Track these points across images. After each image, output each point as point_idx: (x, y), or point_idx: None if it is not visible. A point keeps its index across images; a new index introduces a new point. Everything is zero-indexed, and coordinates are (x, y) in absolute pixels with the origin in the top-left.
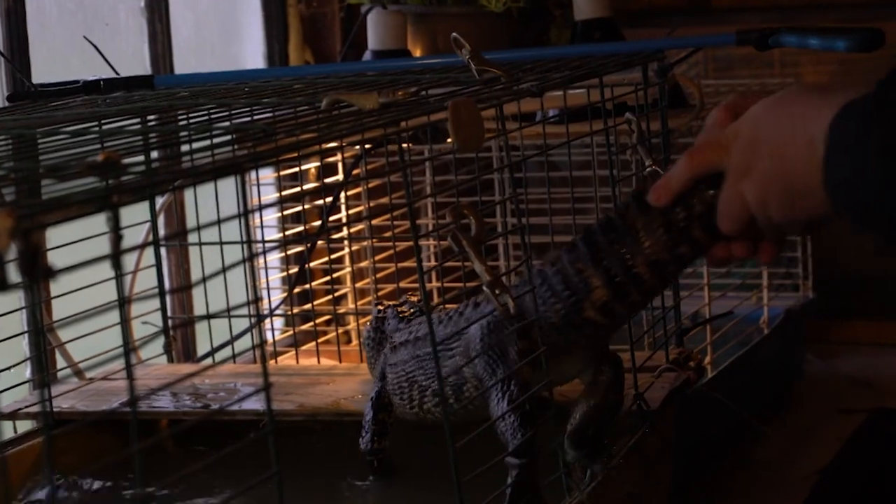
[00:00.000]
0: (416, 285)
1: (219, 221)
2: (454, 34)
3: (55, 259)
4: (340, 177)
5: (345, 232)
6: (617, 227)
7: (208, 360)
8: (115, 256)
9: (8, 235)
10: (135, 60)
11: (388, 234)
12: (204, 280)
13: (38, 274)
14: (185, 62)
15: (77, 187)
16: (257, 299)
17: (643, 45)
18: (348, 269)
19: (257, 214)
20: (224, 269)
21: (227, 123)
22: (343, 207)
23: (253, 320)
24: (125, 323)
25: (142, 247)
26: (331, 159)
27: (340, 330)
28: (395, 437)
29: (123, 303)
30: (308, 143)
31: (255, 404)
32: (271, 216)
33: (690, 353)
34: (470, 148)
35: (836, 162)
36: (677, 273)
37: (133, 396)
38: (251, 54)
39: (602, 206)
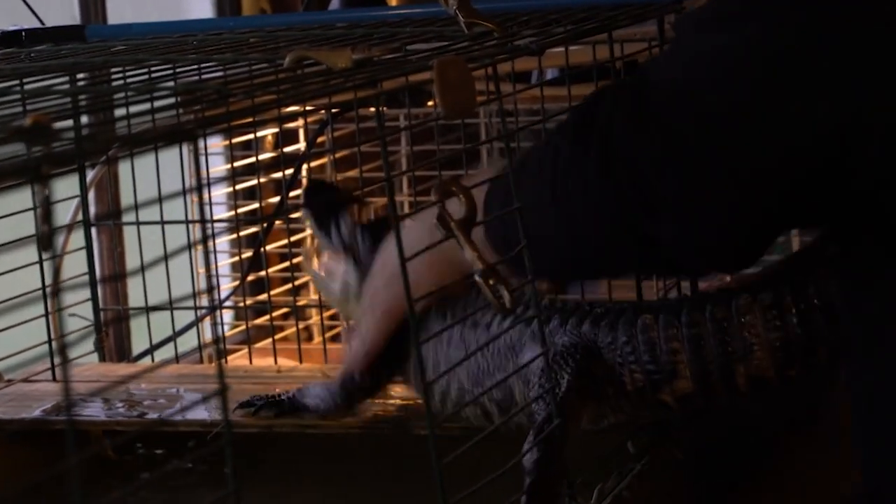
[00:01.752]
0: None
1: (160, 198)
2: None
3: None
4: (302, 146)
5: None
6: (731, 317)
7: (146, 360)
8: (47, 238)
9: None
10: (61, 8)
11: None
12: (143, 268)
13: None
14: (120, 11)
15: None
16: (211, 288)
17: None
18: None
19: (204, 190)
20: (167, 255)
21: (171, 83)
22: (305, 182)
23: (200, 313)
24: (51, 315)
25: (70, 226)
26: (291, 125)
27: (301, 325)
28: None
29: (54, 292)
30: (269, 107)
31: (202, 413)
32: (220, 192)
33: None
34: (458, 114)
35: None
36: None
37: (68, 400)
38: (197, 3)
39: None
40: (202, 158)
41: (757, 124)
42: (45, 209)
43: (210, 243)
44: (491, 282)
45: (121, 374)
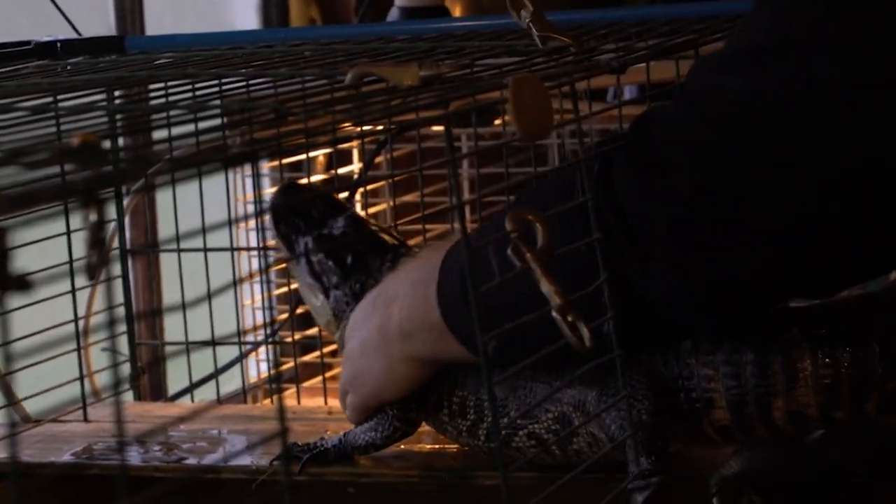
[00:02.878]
0: None
1: (203, 227)
2: None
3: None
4: (357, 167)
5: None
6: (773, 348)
7: (184, 400)
8: (96, 267)
9: None
10: (95, 17)
11: (417, 240)
12: (183, 302)
13: (9, 283)
14: (159, 20)
15: (40, 178)
16: (272, 323)
17: (748, 5)
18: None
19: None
20: (209, 293)
21: (217, 101)
22: (359, 206)
23: (244, 349)
24: (83, 351)
25: (106, 254)
26: (345, 145)
27: None
28: None
29: (114, 323)
30: (332, 127)
31: (245, 458)
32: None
33: None
34: (535, 135)
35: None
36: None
37: (121, 442)
38: (241, 11)
39: None
40: (255, 181)
41: (792, 170)
42: (95, 235)
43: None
44: (569, 318)
45: (158, 415)
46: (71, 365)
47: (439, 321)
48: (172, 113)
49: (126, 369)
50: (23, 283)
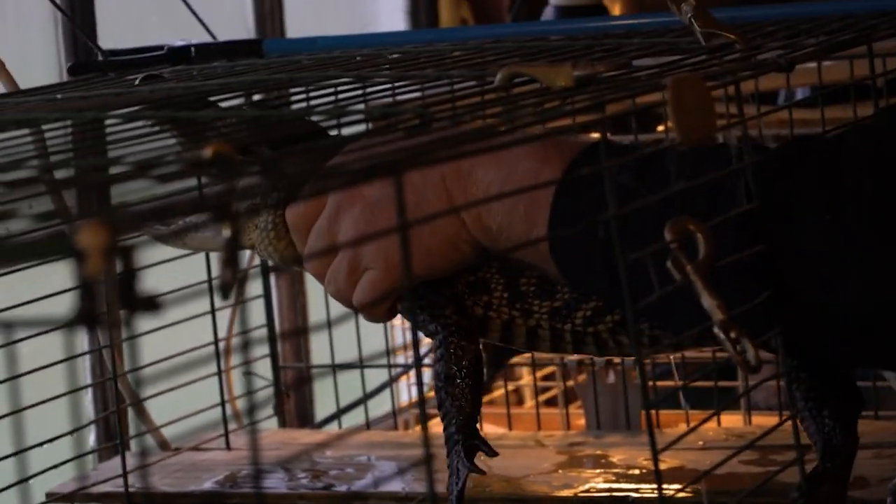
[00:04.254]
0: None
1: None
2: None
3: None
4: None
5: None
6: None
7: (332, 426)
8: (229, 286)
9: (101, 255)
10: (234, 20)
11: None
12: (329, 322)
13: (138, 305)
14: (300, 23)
15: (175, 192)
16: (417, 344)
17: None
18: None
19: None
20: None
21: (361, 105)
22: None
23: (394, 372)
24: (224, 375)
25: (245, 272)
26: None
27: (511, 386)
28: None
29: (229, 349)
30: (485, 134)
31: (395, 484)
32: None
33: None
34: (697, 140)
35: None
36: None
37: (256, 468)
38: (387, 11)
39: None
40: (398, 192)
41: None
42: (229, 252)
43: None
44: (732, 335)
45: (304, 442)
46: (212, 389)
47: (544, 251)
48: (314, 119)
49: (268, 394)
50: (151, 304)
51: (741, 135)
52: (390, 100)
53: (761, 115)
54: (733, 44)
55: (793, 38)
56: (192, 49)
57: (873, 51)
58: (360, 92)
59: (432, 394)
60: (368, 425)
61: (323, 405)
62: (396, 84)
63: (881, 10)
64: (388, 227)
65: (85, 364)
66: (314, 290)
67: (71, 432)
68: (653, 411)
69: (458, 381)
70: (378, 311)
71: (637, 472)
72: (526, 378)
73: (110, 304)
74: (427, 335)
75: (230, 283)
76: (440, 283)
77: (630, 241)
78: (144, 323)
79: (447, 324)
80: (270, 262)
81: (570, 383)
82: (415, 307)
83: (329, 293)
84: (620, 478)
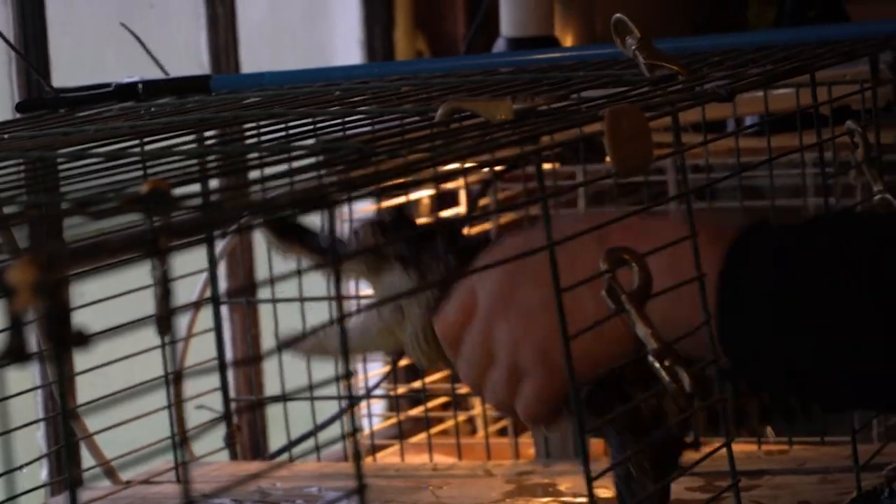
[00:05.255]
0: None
1: (299, 272)
2: (618, 16)
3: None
4: (463, 209)
5: None
6: None
7: (284, 457)
8: (165, 318)
9: (30, 291)
10: (189, 54)
11: None
12: (279, 349)
13: (68, 340)
14: (256, 55)
15: (113, 228)
16: (348, 374)
17: (870, 27)
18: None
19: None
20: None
21: (311, 141)
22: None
23: (344, 403)
24: (175, 407)
25: (197, 305)
26: (450, 185)
27: (461, 417)
28: None
29: (177, 380)
30: (416, 168)
31: None
32: None
33: None
34: (633, 170)
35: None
36: None
37: (188, 500)
38: (344, 43)
39: None
40: (346, 225)
41: None
42: (163, 288)
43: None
44: (667, 363)
45: (251, 472)
46: (164, 422)
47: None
48: (262, 154)
49: (219, 426)
50: (81, 340)
51: (698, 164)
52: (340, 135)
53: (701, 144)
54: (677, 75)
55: (738, 69)
56: (140, 86)
57: (818, 79)
58: (310, 128)
59: (382, 426)
60: (319, 457)
61: (277, 437)
62: (347, 119)
63: (827, 39)
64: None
65: (37, 398)
66: (267, 321)
67: (12, 470)
68: (594, 440)
69: (637, 479)
70: (545, 419)
71: (584, 500)
72: (477, 409)
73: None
74: (597, 437)
75: (165, 320)
76: (606, 380)
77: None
78: (94, 357)
79: (618, 422)
80: (419, 365)
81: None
82: (581, 413)
83: (489, 403)
84: None
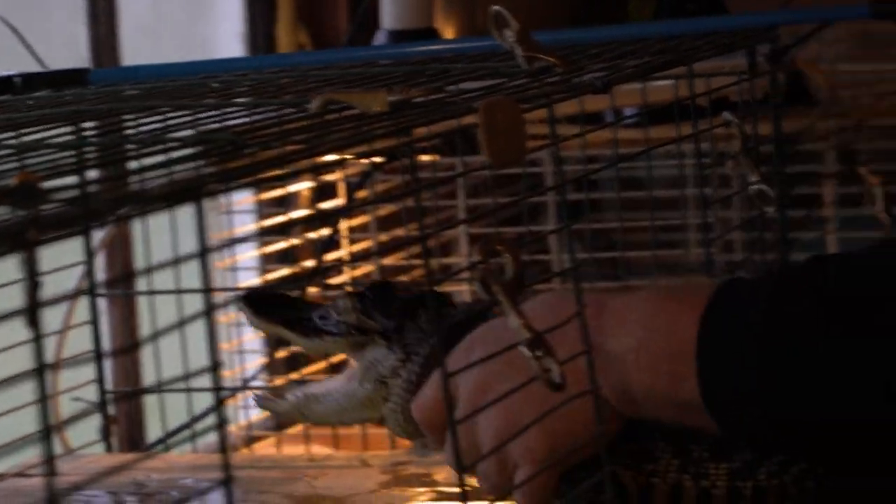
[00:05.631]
0: None
1: (176, 261)
2: (496, 8)
3: None
4: (341, 201)
5: (346, 275)
6: None
7: (161, 449)
8: (31, 310)
9: None
10: (69, 48)
11: (403, 277)
12: (155, 336)
13: None
14: (137, 50)
15: None
16: (216, 365)
17: (748, 19)
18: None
19: (229, 253)
20: (181, 323)
21: (188, 132)
22: (345, 242)
23: (221, 395)
24: (47, 399)
25: (72, 296)
26: (329, 178)
27: None
28: None
29: (44, 370)
30: (290, 159)
31: None
32: (249, 254)
33: None
34: (508, 162)
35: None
36: None
37: (52, 493)
38: (226, 37)
39: (696, 236)
40: (224, 217)
41: None
42: (31, 281)
43: (233, 314)
44: (538, 354)
45: (119, 464)
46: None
47: (695, 402)
48: (135, 146)
49: (95, 418)
50: None
51: (577, 156)
52: (217, 126)
53: (577, 136)
54: (554, 67)
55: (616, 61)
56: (17, 79)
57: (697, 71)
58: (189, 119)
59: (260, 417)
60: (195, 448)
61: (155, 429)
62: (225, 111)
63: (705, 32)
64: (531, 422)
65: None
66: (145, 312)
67: None
68: None
69: None
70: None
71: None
72: None
73: None
74: None
75: (32, 312)
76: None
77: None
78: None
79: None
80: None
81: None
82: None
83: (482, 489)
84: (443, 496)
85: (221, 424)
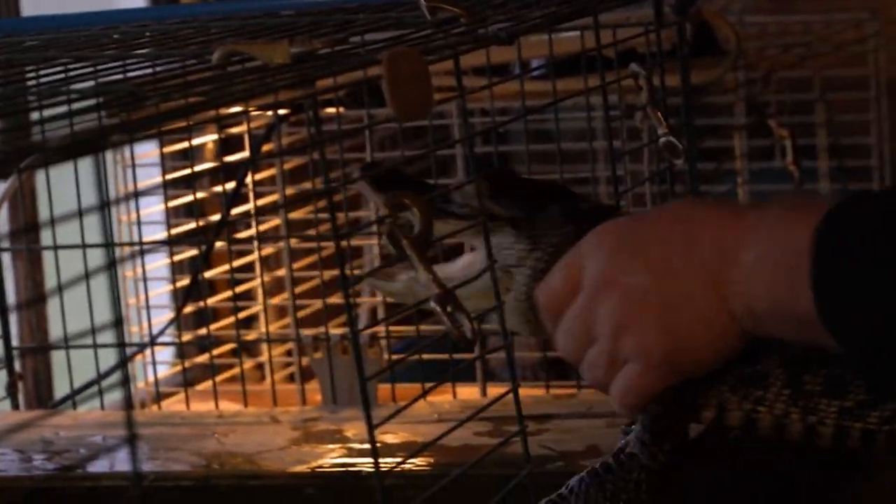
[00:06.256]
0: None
1: (76, 214)
2: None
3: None
4: (246, 154)
5: (253, 229)
6: None
7: (68, 406)
8: None
9: None
10: None
11: (311, 231)
12: (59, 290)
13: None
14: (37, 2)
15: None
16: (119, 321)
17: None
18: (259, 281)
19: (132, 206)
20: (79, 279)
21: (89, 83)
22: (251, 196)
23: (129, 351)
24: None
25: None
26: (235, 130)
27: (249, 364)
28: None
29: None
30: (191, 111)
31: (128, 464)
32: (156, 208)
33: None
34: (412, 114)
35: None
36: None
37: None
38: None
39: (607, 188)
40: (129, 170)
41: None
42: None
43: (137, 268)
44: (448, 309)
45: (35, 424)
46: None
47: (812, 316)
48: (32, 98)
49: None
50: None
51: (484, 108)
52: (120, 77)
53: (483, 88)
54: (459, 18)
55: (521, 11)
56: None
57: (602, 23)
58: (91, 70)
59: (168, 373)
60: (103, 405)
61: (63, 386)
62: (127, 63)
63: None
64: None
65: None
66: (50, 269)
67: None
68: (388, 385)
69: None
70: (638, 409)
71: (368, 446)
72: (265, 355)
73: None
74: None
75: None
76: (707, 377)
77: None
78: None
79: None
80: (516, 331)
81: (306, 360)
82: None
83: (585, 379)
84: (353, 453)
85: (126, 381)
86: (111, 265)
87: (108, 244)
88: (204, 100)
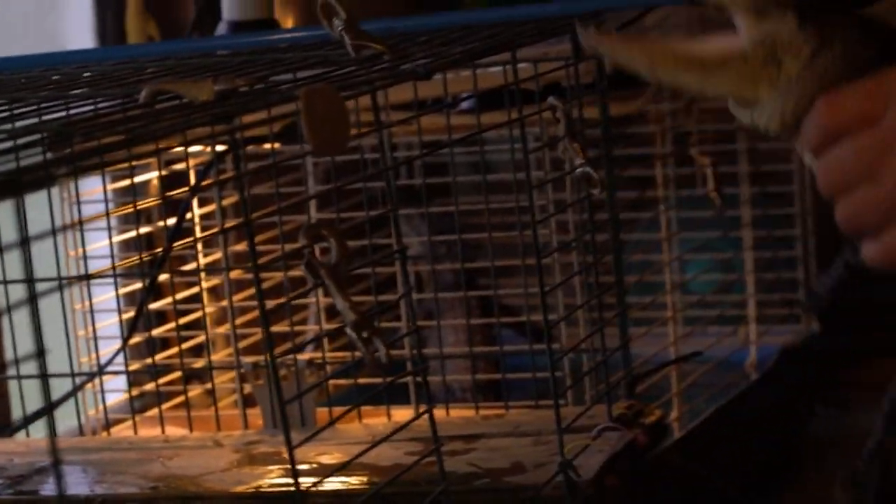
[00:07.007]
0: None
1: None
2: None
3: None
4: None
5: (199, 262)
6: None
7: (23, 434)
8: None
9: None
10: None
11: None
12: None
13: None
14: None
15: None
16: (42, 352)
17: (574, 6)
18: (204, 312)
19: (78, 241)
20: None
21: (8, 126)
22: (197, 229)
23: (79, 380)
24: None
25: None
26: (178, 167)
27: (198, 390)
28: None
29: None
30: (110, 148)
31: (83, 488)
32: (101, 243)
33: (643, 407)
34: (329, 149)
35: None
36: None
37: None
38: (76, 30)
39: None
40: (74, 206)
41: None
42: None
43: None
44: (364, 335)
45: None
46: None
47: None
48: None
49: None
50: None
51: (411, 142)
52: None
53: (402, 122)
54: (382, 54)
55: (442, 47)
56: None
57: (525, 58)
58: (7, 114)
59: (116, 401)
60: (54, 433)
61: (19, 411)
62: (42, 105)
63: (529, 18)
64: None
65: None
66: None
67: None
68: (325, 409)
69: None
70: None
71: (307, 466)
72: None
73: None
74: None
75: None
76: None
77: None
78: None
79: None
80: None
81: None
82: None
83: (841, 215)
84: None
85: (50, 409)
86: (32, 298)
87: (28, 280)
88: (123, 139)
